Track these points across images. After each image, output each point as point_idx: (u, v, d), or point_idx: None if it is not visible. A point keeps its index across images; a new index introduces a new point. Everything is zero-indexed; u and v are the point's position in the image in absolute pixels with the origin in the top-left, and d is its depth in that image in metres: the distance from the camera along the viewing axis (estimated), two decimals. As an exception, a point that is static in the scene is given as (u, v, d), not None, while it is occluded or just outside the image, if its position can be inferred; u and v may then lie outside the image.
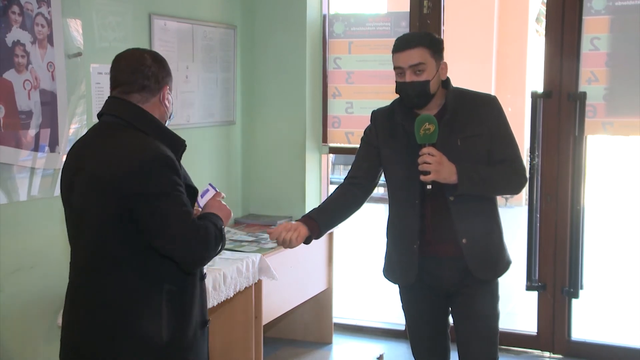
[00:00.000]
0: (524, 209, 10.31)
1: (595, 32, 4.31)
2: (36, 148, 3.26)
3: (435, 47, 2.87)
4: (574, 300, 4.51)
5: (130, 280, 2.22)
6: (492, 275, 3.00)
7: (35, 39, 3.25)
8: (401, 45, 2.85)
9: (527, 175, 2.99)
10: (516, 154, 2.96)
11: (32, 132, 3.23)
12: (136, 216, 2.16)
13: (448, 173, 2.78)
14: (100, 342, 2.23)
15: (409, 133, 2.87)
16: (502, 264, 3.03)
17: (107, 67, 3.59)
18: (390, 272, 3.14)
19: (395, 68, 2.88)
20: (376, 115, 3.11)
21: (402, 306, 3.17)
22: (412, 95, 2.86)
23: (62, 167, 2.39)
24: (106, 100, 2.38)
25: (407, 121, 2.89)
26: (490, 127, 2.90)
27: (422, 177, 2.76)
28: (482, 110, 2.93)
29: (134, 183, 2.16)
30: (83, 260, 2.31)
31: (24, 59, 3.19)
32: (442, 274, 2.97)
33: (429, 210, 2.93)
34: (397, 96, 3.00)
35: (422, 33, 2.96)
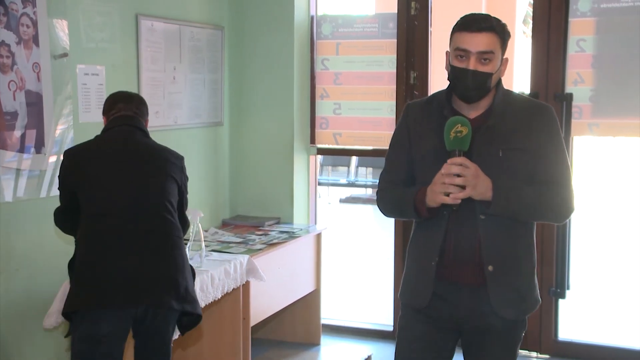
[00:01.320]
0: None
1: (581, 34, 4.32)
2: (22, 149, 3.26)
3: (506, 37, 2.47)
4: (560, 301, 4.52)
5: (178, 227, 3.04)
6: (517, 314, 2.56)
7: (21, 39, 3.24)
8: (474, 25, 2.41)
9: (575, 204, 2.56)
10: (566, 177, 2.53)
11: (17, 133, 3.23)
12: (181, 187, 3.11)
13: (485, 188, 2.38)
14: (176, 270, 2.94)
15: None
16: (530, 301, 2.59)
17: (94, 68, 3.65)
18: (404, 291, 2.69)
19: (456, 49, 2.44)
20: (410, 107, 2.69)
21: (398, 333, 2.71)
22: (470, 86, 2.43)
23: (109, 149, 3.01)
24: (125, 116, 3.07)
25: (451, 112, 2.49)
26: (540, 141, 2.48)
27: (454, 196, 2.34)
28: (534, 120, 2.50)
29: (184, 166, 3.18)
30: (148, 212, 2.95)
31: (8, 59, 3.18)
32: (458, 303, 2.54)
33: (453, 226, 2.50)
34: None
35: (494, 17, 2.46)
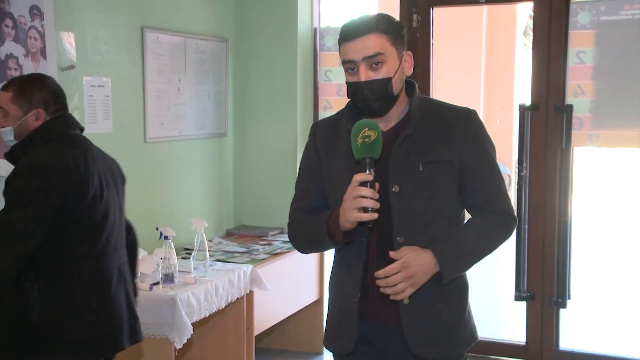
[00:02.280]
0: (513, 220, 10.40)
1: (581, 46, 4.33)
2: None
3: (396, 32, 2.12)
4: (561, 310, 4.51)
5: None
6: (440, 354, 2.19)
7: (29, 52, 3.25)
8: (351, 32, 2.08)
9: (514, 213, 2.27)
10: (500, 188, 2.23)
11: (25, 144, 3.22)
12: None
13: (426, 273, 2.08)
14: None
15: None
16: (459, 337, 2.24)
17: (100, 80, 3.67)
18: (328, 337, 2.36)
19: (344, 63, 2.12)
20: (317, 126, 2.37)
21: None
22: (369, 98, 2.10)
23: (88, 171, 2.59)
24: (68, 116, 2.67)
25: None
26: (465, 151, 2.17)
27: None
28: (457, 128, 2.18)
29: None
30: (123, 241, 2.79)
31: (17, 71, 3.19)
32: (384, 345, 2.21)
33: (373, 254, 2.18)
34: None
35: (377, 15, 2.14)
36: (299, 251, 2.40)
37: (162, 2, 4.14)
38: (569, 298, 4.45)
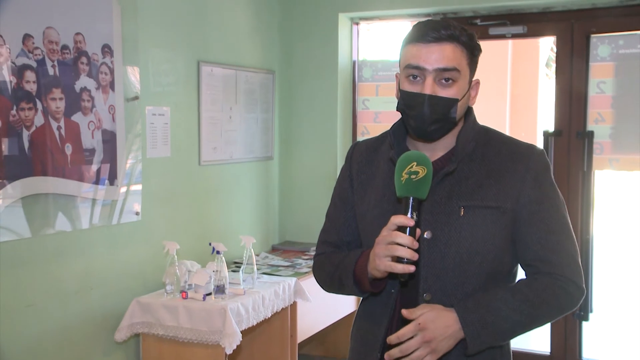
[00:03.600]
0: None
1: (601, 77, 4.31)
2: (97, 181, 3.31)
3: (474, 51, 1.68)
4: (584, 323, 4.46)
5: None
6: None
7: (100, 85, 3.31)
8: (430, 34, 1.62)
9: (583, 283, 1.69)
10: (566, 248, 1.66)
11: (94, 167, 3.29)
12: None
13: (448, 338, 1.58)
14: None
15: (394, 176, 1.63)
16: None
17: (160, 109, 3.75)
18: None
19: (406, 68, 1.65)
20: (356, 148, 1.93)
21: None
22: (428, 117, 1.62)
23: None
24: None
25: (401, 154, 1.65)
26: (524, 197, 1.65)
27: (403, 267, 1.55)
28: (516, 168, 1.67)
29: None
30: None
31: (89, 103, 3.25)
32: None
33: (396, 308, 1.72)
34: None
35: (459, 25, 1.67)
36: (324, 290, 1.92)
37: (216, 38, 4.22)
38: (592, 311, 4.40)
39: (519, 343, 5.17)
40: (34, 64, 2.96)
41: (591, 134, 4.31)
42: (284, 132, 4.97)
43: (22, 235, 2.94)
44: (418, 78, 1.63)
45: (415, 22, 1.69)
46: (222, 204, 4.32)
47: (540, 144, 4.82)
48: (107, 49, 3.34)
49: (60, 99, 3.08)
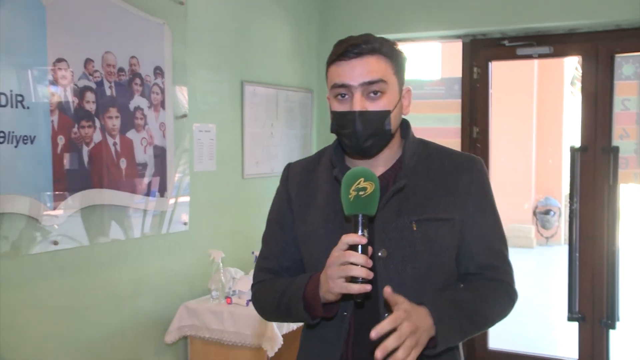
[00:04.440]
0: (563, 248, 10.13)
1: (626, 95, 4.27)
2: (148, 193, 3.37)
3: (398, 60, 1.58)
4: (611, 331, 4.39)
5: None
6: None
7: (152, 104, 3.38)
8: (351, 50, 1.53)
9: (515, 286, 1.66)
10: (504, 254, 1.64)
11: (145, 180, 3.35)
12: None
13: (426, 331, 1.41)
14: None
15: (338, 195, 1.50)
16: None
17: (207, 126, 3.81)
18: None
19: (333, 88, 1.55)
20: (291, 168, 1.77)
21: None
22: (361, 134, 1.52)
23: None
24: None
25: (344, 173, 1.51)
26: (469, 207, 1.58)
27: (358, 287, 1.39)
28: (460, 179, 1.60)
29: None
30: None
31: (142, 120, 3.31)
32: None
33: (354, 331, 1.56)
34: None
35: (379, 37, 1.58)
36: (265, 319, 1.75)
37: (258, 60, 4.27)
38: (618, 320, 4.33)
39: (545, 349, 5.11)
40: (94, 86, 3.04)
41: (616, 149, 4.26)
42: (321, 146, 4.94)
43: (81, 243, 3.01)
44: (346, 96, 1.53)
45: (336, 42, 1.60)
46: (264, 215, 4.28)
47: (564, 158, 4.79)
48: (158, 71, 3.41)
49: (116, 117, 3.16)
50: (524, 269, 8.96)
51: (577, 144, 4.44)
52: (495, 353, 4.65)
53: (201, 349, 3.52)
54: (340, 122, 1.54)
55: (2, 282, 2.70)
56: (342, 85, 1.52)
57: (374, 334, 1.33)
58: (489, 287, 1.59)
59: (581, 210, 4.42)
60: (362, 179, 1.43)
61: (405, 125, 1.66)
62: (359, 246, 1.39)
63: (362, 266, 1.38)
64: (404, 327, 1.35)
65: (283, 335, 3.39)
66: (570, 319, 4.46)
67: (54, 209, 2.85)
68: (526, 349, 4.83)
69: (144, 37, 3.31)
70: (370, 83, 1.51)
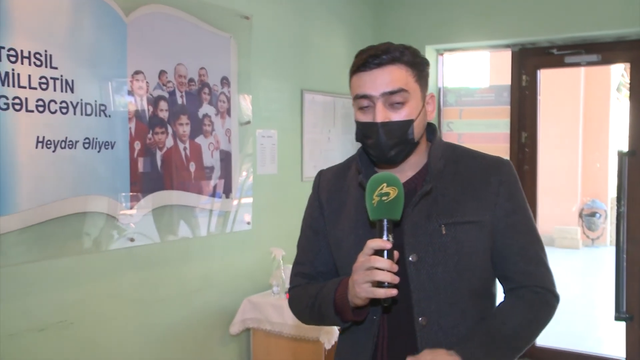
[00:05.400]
0: (609, 249, 9.84)
1: (675, 100, 4.13)
2: (214, 194, 3.41)
3: (421, 67, 1.52)
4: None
5: None
6: None
7: (218, 111, 3.42)
8: (371, 60, 1.46)
9: (557, 289, 1.56)
10: (540, 257, 1.54)
11: (212, 183, 3.39)
12: None
13: None
14: None
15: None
16: None
17: (269, 132, 3.84)
18: None
19: (356, 99, 1.49)
20: (322, 176, 1.73)
21: None
22: (385, 144, 1.47)
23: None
24: None
25: (369, 179, 1.46)
26: (499, 209, 1.50)
27: (386, 292, 1.36)
28: (489, 182, 1.52)
29: None
30: None
31: (209, 127, 3.36)
32: None
33: (386, 334, 1.52)
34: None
35: (401, 45, 1.51)
36: (303, 322, 1.71)
37: (316, 70, 4.28)
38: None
39: (592, 347, 4.97)
40: (167, 95, 3.11)
41: (664, 153, 4.13)
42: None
43: (153, 240, 3.07)
44: (369, 106, 1.47)
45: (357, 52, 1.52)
46: (321, 216, 4.34)
47: (613, 163, 4.66)
48: (225, 81, 3.46)
49: (187, 124, 3.22)
50: (571, 269, 8.74)
51: (625, 148, 4.32)
52: (543, 350, 4.56)
53: (263, 341, 3.55)
54: (364, 132, 1.49)
55: (86, 275, 2.79)
56: (364, 96, 1.47)
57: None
58: (526, 304, 1.50)
59: (628, 213, 4.28)
60: (385, 184, 1.38)
61: (431, 129, 1.60)
62: (385, 251, 1.35)
63: (387, 271, 1.33)
64: None
65: (339, 329, 3.39)
66: (617, 318, 4.32)
67: (130, 208, 2.92)
68: (573, 347, 4.71)
69: (213, 50, 3.37)
70: (392, 93, 1.45)
